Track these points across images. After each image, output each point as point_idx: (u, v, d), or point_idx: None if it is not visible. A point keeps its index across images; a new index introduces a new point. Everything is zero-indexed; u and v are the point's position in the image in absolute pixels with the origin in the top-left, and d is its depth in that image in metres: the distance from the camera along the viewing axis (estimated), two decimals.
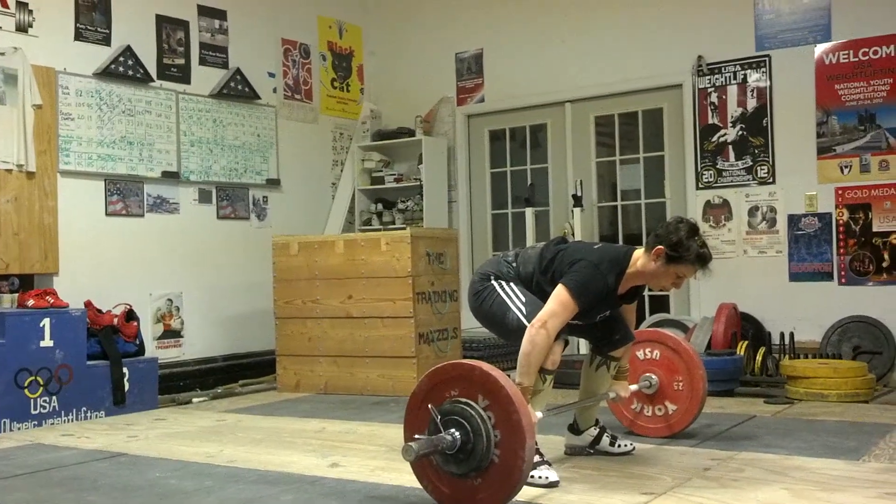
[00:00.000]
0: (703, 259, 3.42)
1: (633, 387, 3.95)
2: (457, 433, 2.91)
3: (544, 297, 3.43)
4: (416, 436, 2.98)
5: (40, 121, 5.77)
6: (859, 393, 5.10)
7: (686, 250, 3.39)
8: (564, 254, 3.52)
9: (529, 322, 3.36)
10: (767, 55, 6.48)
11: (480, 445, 2.88)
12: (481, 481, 2.92)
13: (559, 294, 3.35)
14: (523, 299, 3.50)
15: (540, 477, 3.35)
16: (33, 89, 5.70)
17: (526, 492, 3.29)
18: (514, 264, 3.64)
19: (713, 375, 5.43)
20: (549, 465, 3.43)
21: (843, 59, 6.22)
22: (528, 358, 3.31)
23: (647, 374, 4.06)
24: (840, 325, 6.11)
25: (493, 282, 3.59)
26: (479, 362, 3.02)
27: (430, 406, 3.00)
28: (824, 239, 6.28)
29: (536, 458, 3.42)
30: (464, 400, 2.94)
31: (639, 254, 3.48)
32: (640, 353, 4.09)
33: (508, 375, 2.99)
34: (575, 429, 3.82)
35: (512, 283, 3.57)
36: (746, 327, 6.32)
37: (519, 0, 7.54)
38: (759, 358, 5.87)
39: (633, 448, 3.82)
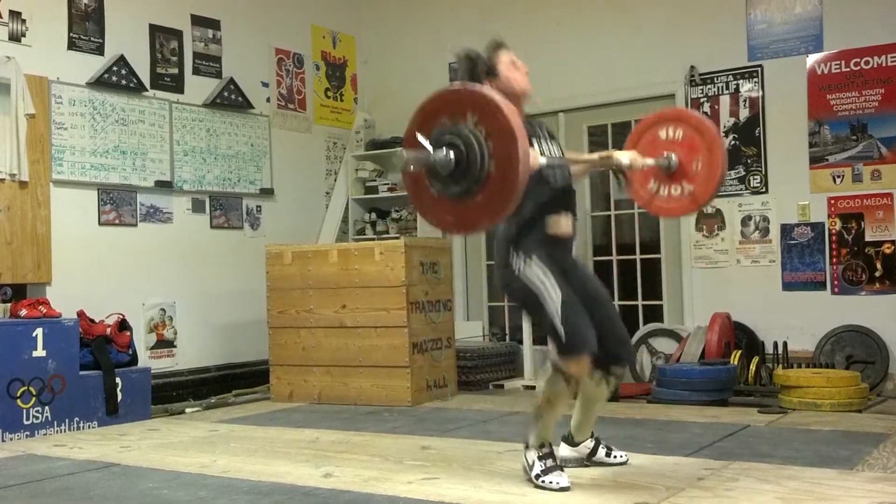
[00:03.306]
0: (493, 45, 3.53)
1: (651, 161, 3.80)
2: (449, 151, 2.93)
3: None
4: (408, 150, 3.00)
5: (33, 130, 5.76)
6: (852, 402, 5.11)
7: (489, 62, 3.49)
8: None
9: (562, 323, 3.30)
10: (760, 65, 6.50)
11: (474, 156, 2.90)
12: (482, 197, 2.92)
13: None
14: (557, 292, 3.35)
15: (552, 482, 3.37)
16: (26, 99, 5.69)
17: (534, 497, 3.31)
18: (509, 224, 3.52)
19: (707, 385, 5.47)
20: (562, 470, 3.44)
21: (836, 69, 6.25)
22: None
23: (668, 153, 3.84)
24: (833, 335, 6.12)
25: (516, 264, 3.43)
26: (463, 86, 3.06)
27: (418, 136, 3.00)
28: (817, 248, 6.30)
29: (549, 463, 3.43)
30: (452, 121, 2.96)
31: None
32: (662, 133, 3.89)
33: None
34: (570, 440, 3.81)
35: (534, 256, 3.41)
36: (740, 336, 6.33)
37: (512, 10, 7.56)
38: (752, 367, 5.87)
39: (628, 459, 3.82)
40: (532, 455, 3.50)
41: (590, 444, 3.80)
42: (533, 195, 3.37)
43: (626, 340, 3.71)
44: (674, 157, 3.83)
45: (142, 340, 6.26)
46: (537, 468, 3.45)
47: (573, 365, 3.35)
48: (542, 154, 3.46)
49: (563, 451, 3.79)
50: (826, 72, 6.28)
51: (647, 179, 3.91)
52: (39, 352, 5.17)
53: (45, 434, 5.15)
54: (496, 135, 2.90)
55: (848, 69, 6.20)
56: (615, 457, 3.80)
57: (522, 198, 3.25)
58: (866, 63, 6.15)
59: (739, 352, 5.95)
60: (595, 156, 3.89)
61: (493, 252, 7.60)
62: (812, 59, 6.32)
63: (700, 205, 3.93)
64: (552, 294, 3.38)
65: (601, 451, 3.79)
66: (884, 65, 6.09)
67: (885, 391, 5.88)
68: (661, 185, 3.90)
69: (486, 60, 3.51)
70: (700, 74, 6.71)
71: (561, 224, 3.49)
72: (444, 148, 2.96)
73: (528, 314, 3.64)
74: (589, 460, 3.79)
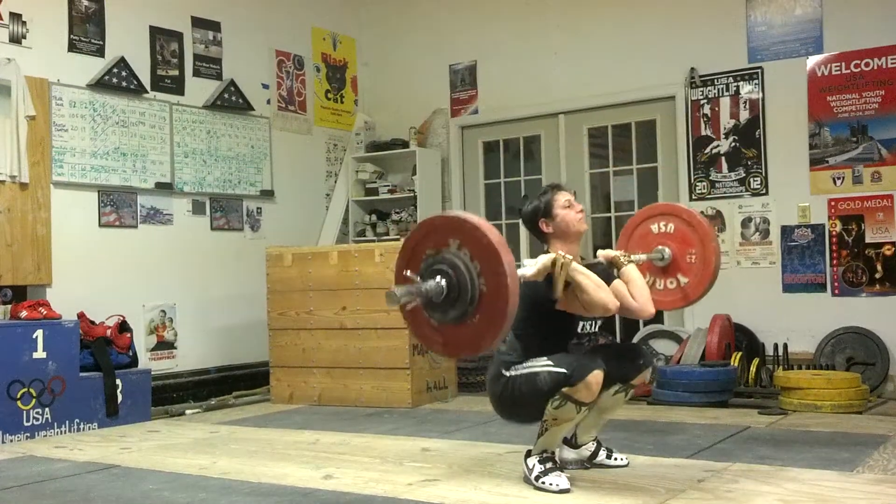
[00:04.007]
0: (550, 187, 3.66)
1: (643, 256, 3.89)
2: (440, 278, 2.98)
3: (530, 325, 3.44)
4: (396, 286, 3.05)
5: (33, 132, 5.76)
6: (853, 404, 5.11)
7: (546, 203, 3.59)
8: None
9: (559, 367, 3.32)
10: (760, 67, 6.50)
11: (464, 279, 2.95)
12: (479, 317, 2.96)
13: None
14: (544, 360, 3.41)
15: (551, 484, 3.38)
16: (27, 100, 5.69)
17: (534, 499, 3.31)
18: (507, 350, 3.56)
19: (707, 387, 5.46)
20: (561, 472, 3.44)
21: (836, 70, 6.25)
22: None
23: (660, 247, 3.96)
24: (833, 336, 6.12)
25: (507, 373, 3.49)
26: (439, 214, 3.16)
27: (406, 273, 3.06)
28: (817, 250, 6.30)
29: (549, 465, 3.44)
30: (435, 250, 3.03)
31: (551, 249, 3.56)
32: (654, 227, 4.01)
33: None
34: (572, 443, 3.81)
35: (521, 364, 3.47)
36: (740, 338, 6.33)
37: (512, 12, 7.56)
38: (752, 369, 5.87)
39: (628, 462, 3.83)
40: (533, 459, 3.50)
41: (591, 446, 3.80)
42: (548, 336, 3.48)
43: (637, 348, 3.80)
44: (667, 250, 3.96)
45: (142, 342, 6.26)
46: (537, 470, 3.46)
47: (583, 391, 3.32)
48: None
49: (565, 452, 3.80)
50: (826, 73, 6.28)
51: (641, 273, 3.98)
52: (40, 353, 5.17)
53: (46, 435, 5.14)
54: (480, 254, 2.94)
55: (848, 71, 6.20)
56: (616, 459, 3.81)
57: (537, 332, 3.44)
58: (866, 65, 6.15)
59: (740, 353, 5.95)
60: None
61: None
62: (812, 60, 6.33)
63: (690, 301, 4.01)
64: (538, 361, 3.41)
65: (602, 454, 3.80)
66: (884, 66, 6.09)
67: (885, 393, 5.87)
68: (656, 278, 4.03)
69: (544, 202, 3.60)
70: (700, 76, 6.71)
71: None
72: (435, 276, 3.00)
73: (528, 403, 3.45)
74: (590, 462, 3.79)
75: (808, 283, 6.32)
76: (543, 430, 3.48)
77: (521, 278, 3.19)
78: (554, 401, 3.36)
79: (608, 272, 3.65)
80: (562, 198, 3.60)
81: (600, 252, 3.77)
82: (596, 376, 3.31)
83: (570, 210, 3.59)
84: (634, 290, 3.61)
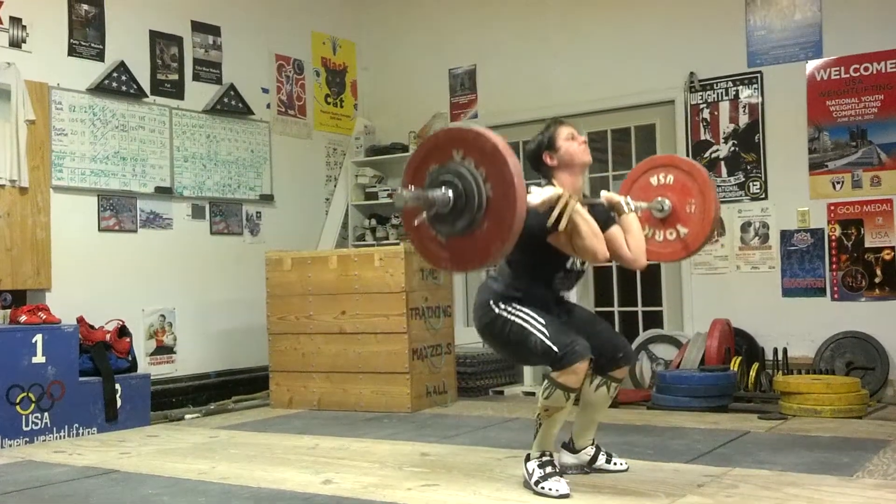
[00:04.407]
0: (552, 121, 3.67)
1: (644, 204, 3.87)
2: (445, 189, 2.98)
3: (526, 253, 3.45)
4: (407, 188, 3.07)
5: (33, 136, 5.76)
6: (853, 409, 5.11)
7: (549, 137, 3.61)
8: None
9: (552, 342, 3.36)
10: (759, 71, 6.51)
11: (470, 186, 2.94)
12: (487, 223, 2.95)
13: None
14: (541, 320, 3.45)
15: (551, 489, 3.38)
16: (26, 105, 5.70)
17: None
18: (496, 275, 3.64)
19: (707, 391, 5.46)
20: (560, 476, 3.44)
21: (835, 75, 6.25)
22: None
23: (660, 198, 3.93)
24: (833, 341, 6.12)
25: (498, 310, 3.53)
26: (441, 129, 3.17)
27: (410, 187, 3.06)
28: (817, 254, 6.30)
29: (548, 470, 3.44)
30: (439, 164, 3.04)
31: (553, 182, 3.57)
32: (653, 179, 3.99)
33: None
34: (571, 447, 3.81)
35: (515, 304, 3.51)
36: (740, 343, 6.33)
37: (512, 16, 7.57)
38: (752, 374, 5.87)
39: (628, 467, 3.82)
40: (532, 463, 3.50)
41: (590, 450, 3.80)
42: (537, 264, 3.51)
43: (624, 343, 3.76)
44: (667, 201, 3.93)
45: (141, 346, 6.25)
46: (537, 475, 3.45)
47: (570, 376, 3.35)
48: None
49: (564, 457, 3.80)
50: (825, 78, 6.28)
51: (641, 224, 3.95)
52: (39, 358, 5.17)
53: (45, 440, 5.14)
54: (485, 160, 2.94)
55: (847, 75, 6.20)
56: (615, 464, 3.81)
57: (525, 259, 3.45)
58: (865, 69, 6.15)
59: (739, 358, 5.94)
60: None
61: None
62: (811, 65, 6.33)
63: (691, 251, 3.95)
64: (535, 319, 3.45)
65: (601, 458, 3.80)
66: (883, 71, 6.09)
67: (885, 397, 5.87)
68: (655, 230, 3.99)
69: (547, 136, 3.63)
70: (700, 80, 6.71)
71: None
72: (441, 188, 3.00)
73: (512, 351, 3.59)
74: (589, 467, 3.79)
75: (808, 287, 6.32)
76: (538, 426, 3.50)
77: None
78: (544, 391, 3.42)
79: (608, 214, 3.67)
80: (565, 131, 3.63)
81: (604, 193, 3.76)
82: (583, 364, 3.36)
83: (574, 142, 3.61)
84: (631, 240, 3.64)
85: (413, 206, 3.02)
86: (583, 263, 3.64)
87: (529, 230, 3.24)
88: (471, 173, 2.95)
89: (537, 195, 3.33)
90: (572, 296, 4.98)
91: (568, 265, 3.60)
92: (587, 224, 3.39)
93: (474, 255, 3.04)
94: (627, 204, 3.70)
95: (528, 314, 3.48)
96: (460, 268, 3.17)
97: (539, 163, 3.65)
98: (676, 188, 3.93)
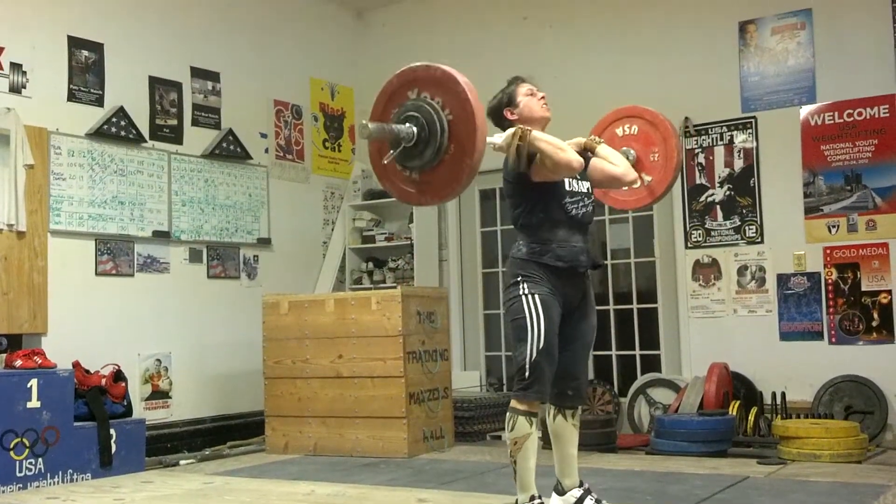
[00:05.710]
0: (513, 79, 3.83)
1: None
2: (408, 124, 3.14)
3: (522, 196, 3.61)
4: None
5: (32, 181, 5.78)
6: (852, 453, 5.07)
7: (510, 94, 3.76)
8: None
9: (530, 364, 3.50)
10: (753, 117, 6.57)
11: (429, 115, 3.10)
12: (453, 146, 3.10)
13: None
14: (542, 331, 3.51)
15: None
16: (25, 149, 5.72)
17: None
18: (520, 246, 3.70)
19: (706, 436, 5.43)
20: None
21: (829, 120, 6.31)
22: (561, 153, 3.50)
23: (625, 148, 4.11)
24: (831, 385, 6.10)
25: (522, 292, 3.60)
26: (393, 75, 3.32)
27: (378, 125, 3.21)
28: (814, 298, 6.30)
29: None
30: (398, 106, 3.22)
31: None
32: (619, 130, 4.18)
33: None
34: (559, 489, 3.76)
35: (537, 297, 3.56)
36: (738, 387, 6.31)
37: (506, 62, 7.61)
38: (751, 418, 5.85)
39: None
40: None
41: (577, 493, 3.72)
42: (543, 207, 3.60)
43: (580, 380, 3.77)
44: (632, 151, 4.13)
45: (137, 391, 6.22)
46: None
47: (524, 404, 3.51)
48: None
49: (553, 500, 3.75)
50: (819, 123, 6.34)
51: None
52: (34, 403, 5.14)
53: (38, 486, 5.09)
54: (438, 88, 3.13)
55: (841, 120, 6.26)
56: None
57: (533, 210, 3.56)
58: (859, 114, 6.21)
59: (738, 402, 5.93)
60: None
61: (489, 301, 7.63)
62: (805, 110, 6.39)
63: (656, 197, 4.14)
64: (537, 334, 3.52)
65: (589, 501, 3.72)
66: (876, 116, 6.15)
67: (884, 442, 5.84)
68: None
69: (507, 93, 3.78)
70: (695, 125, 6.77)
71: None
72: (405, 123, 3.16)
73: (510, 335, 3.73)
74: None
75: (805, 331, 6.32)
76: (513, 466, 3.56)
77: (492, 146, 3.44)
78: (508, 422, 3.54)
79: (585, 155, 3.80)
80: (524, 87, 3.79)
81: (570, 140, 3.85)
82: (540, 404, 3.56)
83: (533, 98, 3.76)
84: (613, 159, 3.82)
85: (378, 138, 3.18)
86: (580, 184, 3.72)
87: (516, 186, 3.55)
88: (428, 104, 3.13)
89: (498, 136, 3.53)
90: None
91: (567, 187, 3.68)
92: (548, 143, 3.53)
93: (450, 179, 3.17)
94: (594, 139, 3.92)
95: (537, 318, 3.53)
96: (431, 198, 3.29)
97: (501, 118, 3.76)
98: (641, 138, 4.16)
